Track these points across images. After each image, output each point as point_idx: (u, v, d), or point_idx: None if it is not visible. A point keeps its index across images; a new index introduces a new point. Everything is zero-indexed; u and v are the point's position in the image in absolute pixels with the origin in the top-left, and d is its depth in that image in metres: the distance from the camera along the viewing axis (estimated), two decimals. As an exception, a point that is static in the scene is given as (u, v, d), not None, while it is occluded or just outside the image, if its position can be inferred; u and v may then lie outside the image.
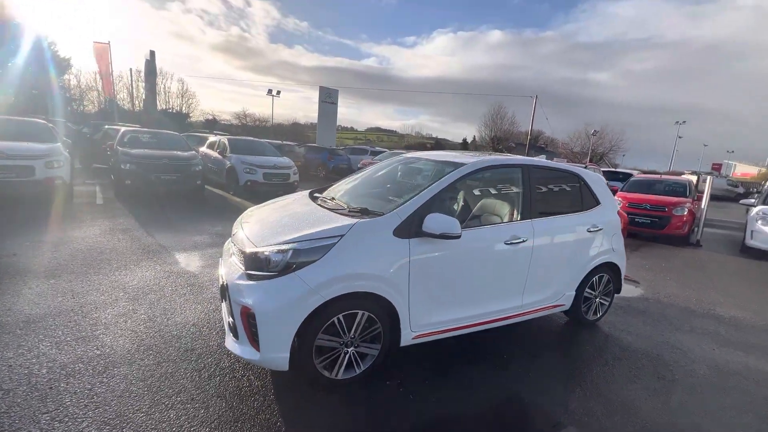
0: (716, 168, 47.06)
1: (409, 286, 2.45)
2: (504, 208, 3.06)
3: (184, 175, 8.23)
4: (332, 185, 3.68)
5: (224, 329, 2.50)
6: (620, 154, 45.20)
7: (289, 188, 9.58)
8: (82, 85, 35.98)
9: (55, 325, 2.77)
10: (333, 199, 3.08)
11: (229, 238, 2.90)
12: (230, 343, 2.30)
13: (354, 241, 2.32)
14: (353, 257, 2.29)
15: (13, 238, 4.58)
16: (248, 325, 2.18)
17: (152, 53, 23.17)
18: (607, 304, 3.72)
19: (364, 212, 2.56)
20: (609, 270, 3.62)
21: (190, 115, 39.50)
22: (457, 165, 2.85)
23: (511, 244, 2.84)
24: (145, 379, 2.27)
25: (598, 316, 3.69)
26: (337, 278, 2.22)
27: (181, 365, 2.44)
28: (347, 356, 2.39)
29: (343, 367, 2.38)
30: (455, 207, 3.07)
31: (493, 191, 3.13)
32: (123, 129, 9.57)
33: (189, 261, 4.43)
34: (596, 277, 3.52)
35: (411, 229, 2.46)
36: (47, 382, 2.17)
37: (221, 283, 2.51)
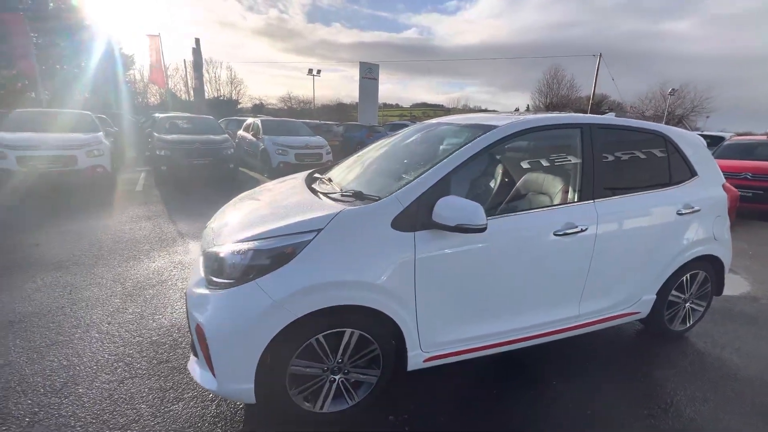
0: (835, 126, 38.81)
1: (416, 295, 1.82)
2: (554, 187, 2.25)
3: (216, 159, 8.15)
4: (343, 161, 3.08)
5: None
6: (703, 116, 38.96)
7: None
8: (145, 79, 38.68)
9: (37, 327, 2.55)
10: (330, 180, 2.48)
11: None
12: (191, 364, 1.85)
13: (336, 237, 1.71)
14: (335, 259, 1.69)
15: (42, 228, 4.63)
16: (204, 346, 1.71)
17: (197, 41, 23.73)
18: (701, 309, 2.77)
19: (357, 197, 1.94)
20: (707, 265, 2.66)
21: (240, 101, 40.89)
22: (486, 128, 2.08)
23: (565, 234, 2.05)
24: (98, 402, 1.92)
25: (688, 325, 2.76)
26: (312, 288, 1.64)
27: (146, 383, 2.07)
28: (334, 385, 1.84)
29: (329, 399, 1.84)
30: (483, 187, 2.32)
31: (538, 163, 2.32)
32: (161, 116, 9.73)
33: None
34: (688, 275, 2.60)
35: (416, 218, 1.79)
36: (-4, 400, 1.90)
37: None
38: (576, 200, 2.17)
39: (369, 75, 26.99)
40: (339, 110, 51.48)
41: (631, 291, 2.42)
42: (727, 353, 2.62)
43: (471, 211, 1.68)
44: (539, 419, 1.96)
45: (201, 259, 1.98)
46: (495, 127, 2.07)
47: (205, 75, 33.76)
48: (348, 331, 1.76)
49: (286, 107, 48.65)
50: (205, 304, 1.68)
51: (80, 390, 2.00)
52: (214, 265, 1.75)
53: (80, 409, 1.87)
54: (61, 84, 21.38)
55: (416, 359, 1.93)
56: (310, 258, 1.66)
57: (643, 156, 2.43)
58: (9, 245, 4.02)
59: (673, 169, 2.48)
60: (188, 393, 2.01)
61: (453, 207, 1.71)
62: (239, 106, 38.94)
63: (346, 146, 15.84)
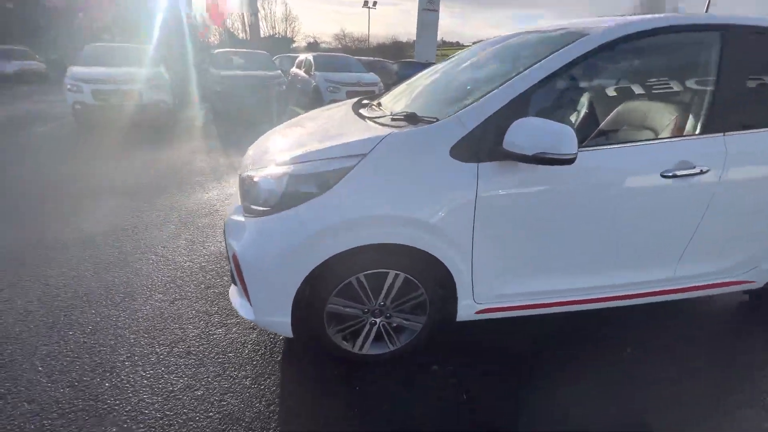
0: None
1: (474, 239, 1.53)
2: (666, 115, 1.73)
3: (268, 95, 8.06)
4: (394, 88, 2.71)
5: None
6: None
7: (373, 108, 8.76)
8: (207, 20, 39.09)
9: (103, 246, 2.71)
10: (380, 105, 2.16)
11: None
12: (232, 292, 1.81)
13: (382, 165, 1.45)
14: (380, 190, 1.44)
15: (113, 159, 4.94)
16: (240, 276, 1.62)
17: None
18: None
19: (410, 119, 1.62)
20: None
21: (294, 39, 40.06)
22: (577, 35, 1.59)
23: (675, 177, 1.59)
24: (150, 319, 1.98)
25: (814, 302, 2.21)
26: (353, 222, 1.43)
27: (194, 306, 2.10)
28: (375, 328, 1.70)
29: (369, 341, 1.72)
30: (566, 115, 1.87)
31: (647, 83, 1.78)
32: (218, 51, 9.70)
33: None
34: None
35: (482, 146, 1.45)
36: (66, 308, 2.05)
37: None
38: (698, 132, 1.65)
39: (429, 6, 24.47)
40: (395, 48, 48.49)
41: (749, 255, 1.91)
42: None
43: (557, 135, 1.30)
44: (605, 384, 1.69)
45: (238, 185, 1.85)
46: (589, 32, 1.56)
47: (261, 11, 33.03)
48: (392, 272, 1.56)
49: (340, 45, 46.88)
50: (241, 232, 1.56)
51: (135, 305, 2.08)
52: (250, 190, 1.60)
53: (134, 322, 1.95)
54: (130, 25, 22.21)
55: (467, 310, 1.71)
56: (352, 187, 1.43)
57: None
58: (83, 173, 4.33)
59: None
60: (231, 319, 2.01)
61: (533, 131, 1.33)
62: (293, 45, 38.25)
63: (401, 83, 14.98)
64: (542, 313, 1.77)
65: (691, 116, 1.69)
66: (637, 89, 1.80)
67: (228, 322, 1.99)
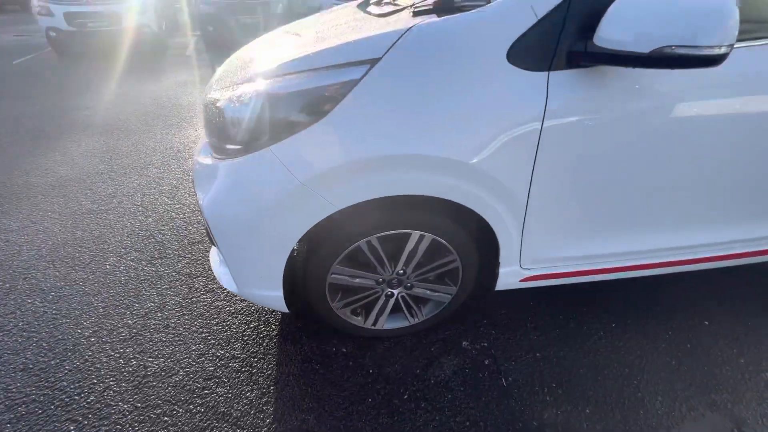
0: None
1: (531, 185, 1.08)
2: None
3: (264, 16, 7.05)
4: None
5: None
6: None
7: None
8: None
9: (74, 193, 2.35)
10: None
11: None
12: (213, 255, 1.44)
13: (403, 74, 0.95)
14: (399, 115, 0.96)
15: (92, 92, 4.41)
16: (213, 237, 1.23)
17: None
18: None
19: (442, 6, 1.07)
20: None
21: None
22: None
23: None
24: (124, 283, 1.67)
25: None
26: (362, 163, 0.98)
27: (175, 266, 1.77)
28: (392, 300, 1.34)
29: (385, 314, 1.37)
30: None
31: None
32: (203, -36, 8.39)
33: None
34: None
35: (558, 44, 0.93)
36: (26, 269, 1.74)
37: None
38: None
39: None
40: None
41: None
42: None
43: (707, 14, 0.76)
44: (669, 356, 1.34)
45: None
46: None
47: None
48: (415, 233, 1.15)
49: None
50: (209, 181, 1.13)
51: (107, 266, 1.76)
52: (214, 120, 1.13)
53: (105, 288, 1.64)
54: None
55: (510, 278, 1.31)
56: (358, 112, 0.95)
57: None
58: (59, 109, 3.86)
59: None
60: (218, 283, 1.68)
61: (659, 10, 0.80)
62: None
63: None
64: (598, 279, 1.38)
65: None
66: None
67: (214, 286, 1.67)
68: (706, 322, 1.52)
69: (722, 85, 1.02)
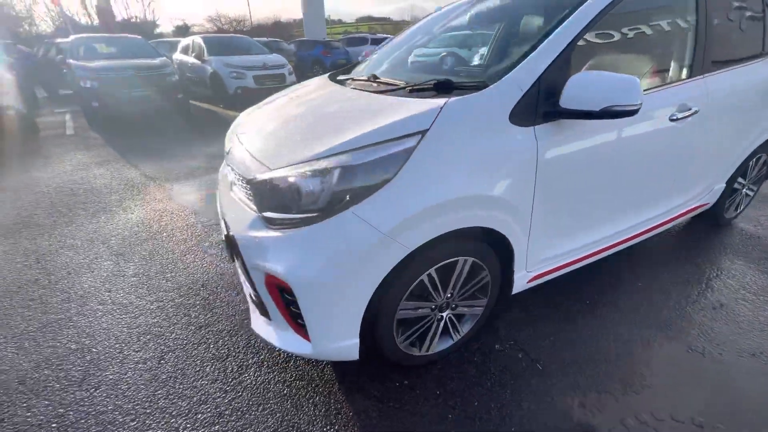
0: None
1: (533, 205, 1.46)
2: (659, 61, 1.84)
3: (159, 88, 6.77)
4: (355, 64, 2.46)
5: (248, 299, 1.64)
6: None
7: (287, 92, 8.06)
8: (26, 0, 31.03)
9: (10, 310, 1.96)
10: (375, 77, 1.90)
11: (224, 161, 1.85)
12: (259, 325, 1.45)
13: (447, 139, 1.25)
14: (451, 168, 1.25)
15: (-39, 189, 3.63)
16: (283, 303, 1.29)
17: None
18: (752, 195, 2.73)
19: (442, 87, 1.43)
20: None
21: (158, 23, 34.49)
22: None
23: (676, 120, 1.73)
24: (143, 388, 1.49)
25: (738, 212, 2.73)
26: (430, 210, 1.22)
27: (193, 354, 1.65)
28: (441, 323, 1.55)
29: (437, 339, 1.56)
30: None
31: (646, 30, 1.87)
32: (72, 38, 7.73)
33: (184, 194, 3.46)
34: (753, 159, 2.46)
35: (537, 107, 1.36)
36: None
37: (225, 231, 1.55)
38: (685, 77, 1.81)
39: (312, -19, 23.25)
40: (277, 29, 45.46)
41: (710, 181, 2.24)
42: (774, 233, 2.64)
43: (625, 86, 1.26)
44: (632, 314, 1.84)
45: (240, 192, 1.46)
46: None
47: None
48: (461, 259, 1.41)
49: (215, 28, 41.98)
50: (282, 250, 1.22)
51: (109, 377, 1.55)
52: (279, 195, 1.25)
53: (121, 400, 1.45)
54: None
55: (521, 281, 1.66)
56: (420, 169, 1.21)
57: (749, 18, 2.06)
58: None
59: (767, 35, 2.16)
60: (252, 358, 1.64)
61: (597, 84, 1.28)
62: (157, 29, 32.90)
63: (301, 66, 14.11)
64: (575, 268, 1.82)
65: (677, 59, 1.82)
66: (636, 34, 1.78)
67: (249, 362, 1.61)
68: (640, 284, 2.09)
69: (630, 122, 1.57)
